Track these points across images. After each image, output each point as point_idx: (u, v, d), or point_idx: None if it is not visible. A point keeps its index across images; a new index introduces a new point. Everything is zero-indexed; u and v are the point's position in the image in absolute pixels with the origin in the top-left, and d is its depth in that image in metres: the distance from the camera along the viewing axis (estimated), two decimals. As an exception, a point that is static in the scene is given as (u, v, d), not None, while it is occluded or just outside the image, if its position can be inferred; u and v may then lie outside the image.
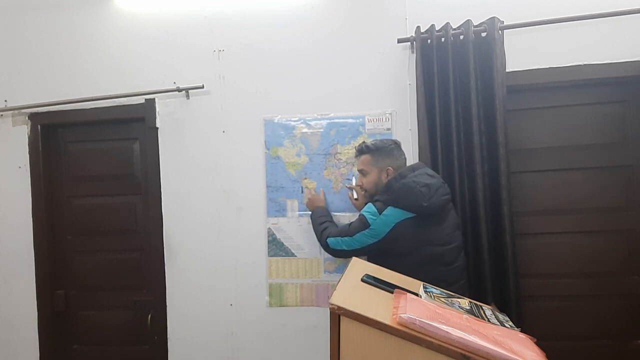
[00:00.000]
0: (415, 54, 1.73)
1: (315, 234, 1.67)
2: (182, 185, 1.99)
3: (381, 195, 1.48)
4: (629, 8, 1.61)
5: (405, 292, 0.96)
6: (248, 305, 1.93)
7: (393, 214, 1.41)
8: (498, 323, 0.94)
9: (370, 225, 1.43)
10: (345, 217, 1.82)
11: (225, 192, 1.96)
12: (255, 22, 1.94)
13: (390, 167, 1.52)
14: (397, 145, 1.60)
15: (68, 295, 2.15)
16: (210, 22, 1.97)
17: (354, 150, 1.72)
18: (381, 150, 1.53)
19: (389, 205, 1.42)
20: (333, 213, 1.83)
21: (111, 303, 2.12)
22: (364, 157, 1.57)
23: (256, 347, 1.93)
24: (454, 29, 1.70)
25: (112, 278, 2.12)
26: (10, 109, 2.09)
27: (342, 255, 1.56)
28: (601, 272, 1.77)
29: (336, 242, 1.52)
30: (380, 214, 1.42)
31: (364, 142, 1.65)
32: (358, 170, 1.62)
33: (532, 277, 1.79)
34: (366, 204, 1.54)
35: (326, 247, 1.55)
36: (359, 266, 1.19)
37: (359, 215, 1.49)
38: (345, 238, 1.49)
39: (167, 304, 2.00)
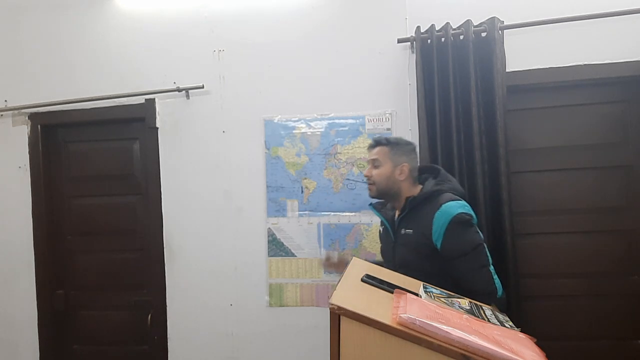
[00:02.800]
0: (415, 54, 1.73)
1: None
2: (182, 185, 1.99)
3: (445, 184, 1.38)
4: (629, 8, 1.61)
5: (405, 292, 0.96)
6: (248, 305, 1.93)
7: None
8: (498, 323, 0.94)
9: (474, 218, 1.30)
10: (345, 217, 1.82)
11: (225, 192, 1.96)
12: (255, 22, 1.94)
13: (406, 164, 1.41)
14: (414, 147, 1.50)
15: (68, 295, 2.15)
16: (210, 22, 1.96)
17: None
18: (401, 147, 1.44)
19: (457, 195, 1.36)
20: (334, 213, 1.83)
21: (111, 303, 2.12)
22: (381, 148, 1.44)
23: (256, 347, 1.93)
24: (454, 29, 1.70)
25: (112, 278, 2.12)
26: (10, 109, 2.09)
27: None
28: (601, 272, 1.77)
29: (497, 283, 1.27)
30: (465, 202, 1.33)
31: (381, 135, 1.57)
32: (370, 160, 1.48)
33: (532, 277, 1.79)
34: (374, 197, 1.47)
35: (497, 294, 1.28)
36: (359, 266, 1.18)
37: (453, 225, 1.26)
38: (491, 268, 1.28)
39: (167, 304, 2.00)
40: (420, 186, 1.42)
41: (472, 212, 1.31)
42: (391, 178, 1.41)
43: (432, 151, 1.69)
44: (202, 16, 1.97)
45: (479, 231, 1.31)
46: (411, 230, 1.35)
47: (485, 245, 1.30)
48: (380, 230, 1.59)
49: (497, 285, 1.26)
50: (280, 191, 1.91)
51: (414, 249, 1.34)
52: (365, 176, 1.48)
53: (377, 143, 1.46)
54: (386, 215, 1.49)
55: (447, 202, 1.29)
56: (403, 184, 1.42)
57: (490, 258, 1.29)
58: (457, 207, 1.28)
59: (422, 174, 1.48)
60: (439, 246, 1.29)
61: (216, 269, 1.96)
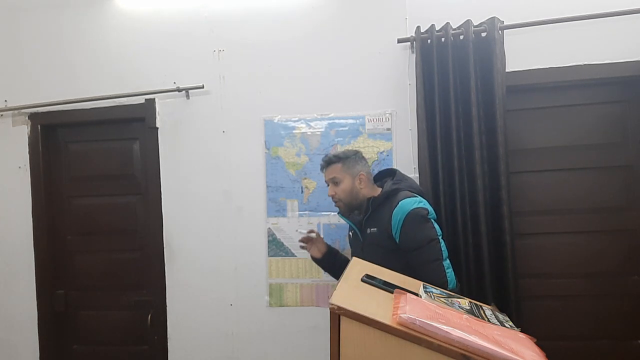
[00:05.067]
0: (415, 54, 1.73)
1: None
2: (182, 185, 1.99)
3: (402, 183, 1.46)
4: (629, 8, 1.61)
5: (405, 292, 0.96)
6: (248, 305, 1.93)
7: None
8: (498, 323, 0.94)
9: (430, 213, 1.36)
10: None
11: (225, 192, 1.96)
12: (255, 22, 1.94)
13: (362, 173, 1.49)
14: (361, 153, 1.55)
15: (68, 295, 2.15)
16: (210, 22, 1.96)
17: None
18: (351, 158, 1.49)
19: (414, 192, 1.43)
20: (334, 213, 1.83)
21: (111, 303, 2.12)
22: (334, 166, 1.49)
23: (256, 347, 1.93)
24: (454, 29, 1.70)
25: (112, 278, 2.12)
26: (10, 109, 2.09)
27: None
28: (601, 272, 1.77)
29: (449, 275, 1.31)
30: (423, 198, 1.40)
31: (328, 154, 1.57)
32: (327, 181, 1.52)
33: (532, 277, 1.79)
34: (345, 213, 1.53)
35: (448, 286, 1.30)
36: (359, 266, 1.19)
37: (409, 220, 1.33)
38: (445, 262, 1.32)
39: (167, 304, 2.00)
40: (380, 188, 1.50)
41: (428, 207, 1.38)
42: (354, 189, 1.49)
43: (432, 151, 1.69)
44: (202, 16, 1.97)
45: (436, 226, 1.37)
46: (376, 229, 1.43)
47: (441, 240, 1.35)
48: (349, 235, 1.65)
49: (448, 278, 1.31)
50: (280, 191, 1.91)
51: (379, 246, 1.42)
52: (330, 196, 1.53)
53: (328, 162, 1.52)
54: (354, 220, 1.55)
55: (403, 199, 1.38)
56: (364, 190, 1.50)
57: (445, 252, 1.35)
58: (412, 202, 1.36)
59: (382, 177, 1.56)
60: (398, 240, 1.37)
61: (216, 268, 1.96)
